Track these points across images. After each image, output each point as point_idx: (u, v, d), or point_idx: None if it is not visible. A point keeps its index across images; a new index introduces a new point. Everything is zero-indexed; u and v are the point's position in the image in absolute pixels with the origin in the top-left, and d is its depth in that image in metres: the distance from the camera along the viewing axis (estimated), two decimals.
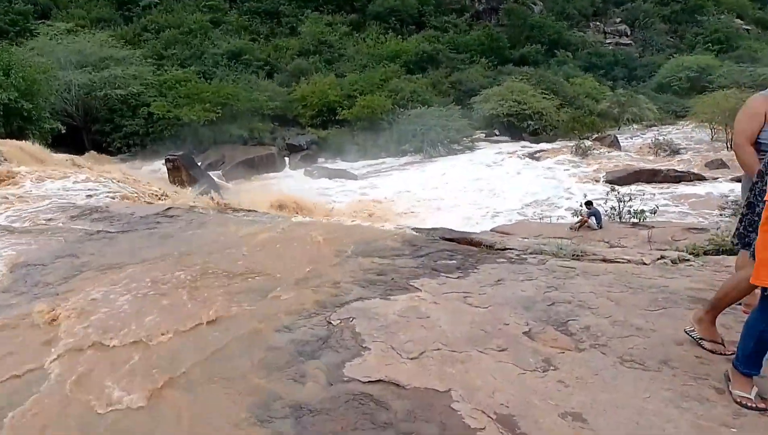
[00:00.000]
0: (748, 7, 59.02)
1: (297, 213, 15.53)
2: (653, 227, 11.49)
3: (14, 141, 17.19)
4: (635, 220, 12.10)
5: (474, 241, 4.69)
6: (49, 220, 6.74)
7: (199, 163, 26.33)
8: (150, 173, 25.50)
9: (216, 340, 2.58)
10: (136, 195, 10.55)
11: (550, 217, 15.90)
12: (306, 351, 2.49)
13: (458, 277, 3.36)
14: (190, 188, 22.20)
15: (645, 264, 3.80)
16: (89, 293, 3.28)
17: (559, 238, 11.43)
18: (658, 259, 3.91)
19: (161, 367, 2.40)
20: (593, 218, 11.76)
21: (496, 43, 45.75)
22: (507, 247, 4.39)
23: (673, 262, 3.90)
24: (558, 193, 19.61)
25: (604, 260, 3.92)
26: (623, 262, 3.86)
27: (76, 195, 9.29)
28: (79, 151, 26.06)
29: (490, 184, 21.40)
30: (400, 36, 44.68)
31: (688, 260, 4.02)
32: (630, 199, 12.46)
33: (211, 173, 25.87)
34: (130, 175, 20.69)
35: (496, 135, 35.18)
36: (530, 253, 4.10)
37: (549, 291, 3.10)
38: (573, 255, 4.02)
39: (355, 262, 3.67)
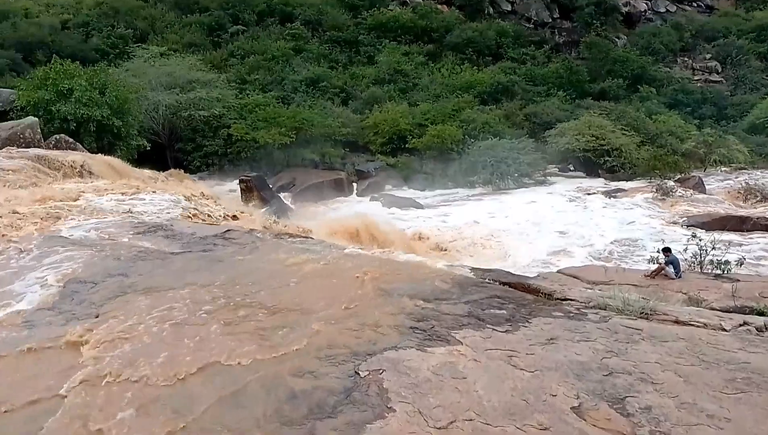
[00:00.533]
0: None
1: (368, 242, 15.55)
2: (738, 280, 10.52)
3: (102, 156, 18.34)
4: (718, 272, 11.11)
5: (531, 287, 4.36)
6: (116, 234, 6.99)
7: (271, 185, 27.13)
8: (226, 192, 26.51)
9: (236, 379, 2.46)
10: (205, 214, 10.88)
11: (624, 261, 14.98)
12: (326, 404, 2.30)
13: (506, 331, 3.08)
14: (261, 209, 22.90)
15: (724, 330, 3.35)
16: (127, 317, 3.26)
17: (631, 284, 10.70)
18: (741, 325, 3.44)
19: (176, 408, 2.29)
20: (671, 267, 10.88)
21: (575, 76, 44.66)
22: (567, 297, 4.04)
23: (759, 329, 3.41)
24: (634, 236, 18.52)
25: (677, 322, 3.49)
26: (698, 326, 3.42)
27: (148, 210, 9.68)
28: (162, 167, 27.54)
29: (561, 222, 20.56)
30: (475, 67, 44.58)
31: None
32: (713, 248, 11.45)
33: (281, 195, 26.55)
34: (206, 193, 21.61)
35: (571, 170, 34.06)
36: (592, 308, 3.73)
37: (608, 357, 2.75)
38: (641, 312, 3.61)
39: (397, 304, 3.47)
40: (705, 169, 32.44)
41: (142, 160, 26.16)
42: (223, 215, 12.30)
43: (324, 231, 15.24)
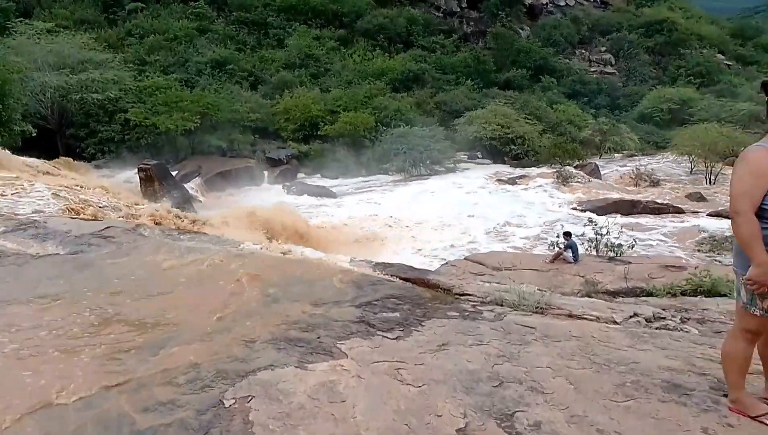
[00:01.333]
0: (730, 43, 60.38)
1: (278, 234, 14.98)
2: (630, 263, 11.15)
3: None
4: (612, 255, 11.73)
5: (431, 282, 4.21)
6: None
7: (174, 173, 25.64)
8: (124, 182, 24.78)
9: (71, 422, 2.04)
10: (91, 207, 9.90)
11: (525, 243, 15.52)
12: None
13: (396, 338, 2.86)
14: (159, 201, 21.56)
15: (616, 323, 3.35)
16: None
17: (533, 269, 11.04)
18: (631, 316, 3.46)
19: None
20: (569, 251, 11.35)
21: (483, 66, 45.92)
22: (465, 292, 3.92)
23: (648, 320, 3.45)
24: (535, 220, 19.29)
25: (570, 316, 3.45)
26: (591, 320, 3.40)
27: (24, 205, 8.64)
28: (52, 155, 25.24)
29: (469, 208, 21.02)
30: (387, 54, 44.62)
31: (663, 319, 3.57)
32: (608, 233, 12.07)
33: (186, 185, 25.19)
34: (98, 184, 20.03)
35: (479, 157, 35.03)
36: (489, 303, 3.62)
37: (499, 363, 2.60)
38: (536, 307, 3.55)
39: (283, 311, 3.16)
40: (600, 156, 34.51)
41: (29, 147, 23.78)
42: (112, 208, 11.28)
43: (225, 222, 14.56)
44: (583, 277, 10.18)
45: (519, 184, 25.71)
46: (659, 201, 21.42)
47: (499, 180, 27.15)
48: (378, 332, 2.96)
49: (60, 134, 28.80)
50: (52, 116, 28.30)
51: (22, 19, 34.60)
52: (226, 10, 45.88)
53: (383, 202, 22.96)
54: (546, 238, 16.28)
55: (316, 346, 2.74)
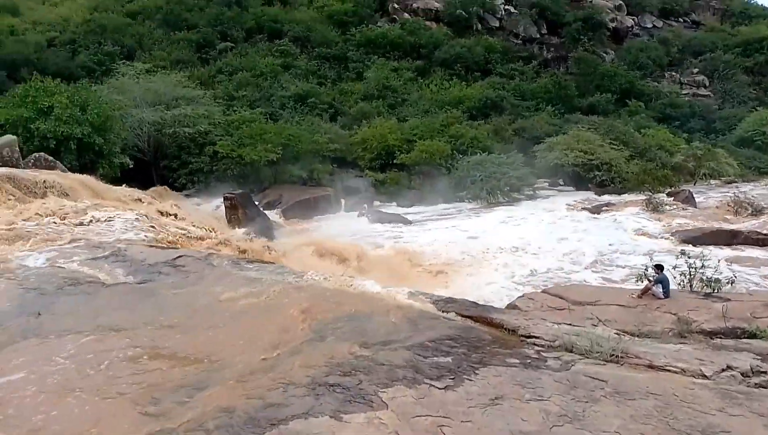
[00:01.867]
0: None
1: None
2: (729, 300, 10.11)
3: (76, 174, 17.83)
4: (709, 290, 10.69)
5: (494, 322, 3.91)
6: (66, 261, 6.49)
7: (257, 202, 26.65)
8: (212, 210, 26.01)
9: None
10: (174, 235, 10.36)
11: (612, 275, 14.57)
12: None
13: (445, 387, 2.62)
14: (242, 228, 22.39)
15: (705, 377, 2.90)
16: (12, 370, 2.79)
17: (618, 304, 10.25)
18: (723, 369, 2.99)
19: None
20: (659, 286, 10.44)
21: (564, 91, 44.64)
22: (531, 334, 3.58)
23: (744, 375, 2.97)
24: (624, 250, 18.14)
25: (651, 367, 3.04)
26: (675, 372, 2.97)
27: (113, 233, 9.16)
28: (148, 185, 27.06)
29: (549, 237, 20.16)
30: (464, 82, 44.51)
31: (765, 373, 3.07)
32: (703, 266, 11.02)
33: (268, 212, 26.06)
34: (187, 212, 21.10)
35: (561, 185, 33.81)
36: (557, 349, 3.28)
37: (559, 424, 2.28)
38: (611, 355, 3.16)
39: (328, 350, 3.01)
40: (695, 183, 32.27)
41: (127, 178, 25.64)
42: (200, 236, 11.74)
43: (301, 250, 14.81)
44: (675, 314, 9.31)
45: (605, 213, 24.44)
46: (763, 231, 19.53)
47: (583, 208, 25.99)
48: (425, 380, 2.74)
49: (155, 166, 30.86)
50: (148, 149, 30.43)
51: (125, 61, 37.78)
52: (309, 46, 47.77)
53: (458, 231, 22.54)
54: (632, 269, 15.26)
55: (356, 393, 2.56)
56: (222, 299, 4.11)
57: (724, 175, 32.81)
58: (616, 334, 3.61)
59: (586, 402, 2.56)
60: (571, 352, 3.27)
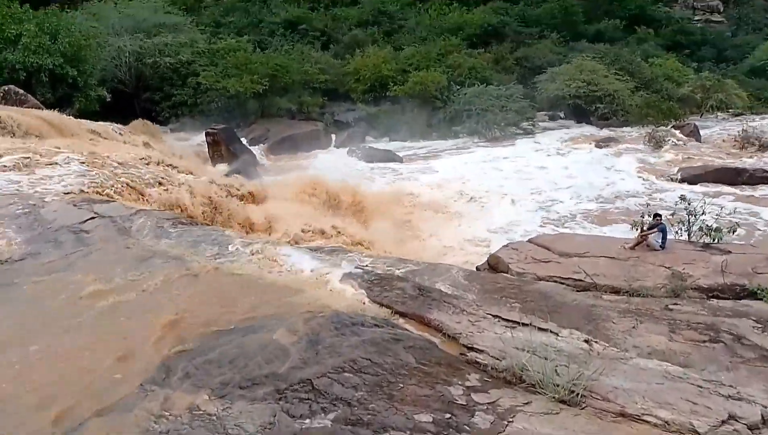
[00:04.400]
0: None
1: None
2: (729, 252, 9.34)
3: (39, 111, 16.71)
4: (708, 241, 9.90)
5: (431, 323, 3.12)
6: None
7: (243, 138, 25.59)
8: (197, 145, 25.00)
9: None
10: (122, 184, 9.37)
11: (605, 222, 13.81)
12: None
13: None
14: (221, 166, 21.45)
15: (696, 434, 2.14)
16: None
17: (608, 257, 9.51)
18: (724, 422, 2.20)
19: None
20: (658, 236, 9.57)
21: (570, 17, 42.19)
22: (474, 345, 2.80)
23: (751, 428, 2.20)
24: (618, 191, 17.29)
25: (622, 415, 2.26)
26: (655, 424, 2.19)
27: (50, 181, 8.28)
28: (131, 119, 25.87)
29: (545, 176, 19.27)
30: (465, 7, 42.00)
31: None
32: (704, 213, 10.18)
33: (254, 148, 25.06)
34: (166, 150, 20.09)
35: (561, 118, 32.51)
36: (500, 375, 2.50)
37: None
38: (570, 392, 2.37)
39: (158, 405, 2.21)
40: (702, 115, 30.93)
41: (110, 111, 24.50)
42: (157, 182, 10.76)
43: (283, 195, 13.99)
44: (669, 268, 8.59)
45: (604, 148, 23.38)
46: None
47: (581, 143, 24.91)
48: None
49: (137, 98, 29.47)
50: (129, 80, 28.96)
51: None
52: None
53: (451, 168, 21.57)
54: (625, 211, 14.52)
55: None
56: (84, 295, 3.37)
57: (733, 107, 31.35)
58: (585, 341, 2.84)
59: None
60: (519, 382, 2.50)
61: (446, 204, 15.42)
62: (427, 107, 29.47)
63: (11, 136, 12.39)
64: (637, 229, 10.09)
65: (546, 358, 2.58)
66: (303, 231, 8.19)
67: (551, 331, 3.08)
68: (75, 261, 4.09)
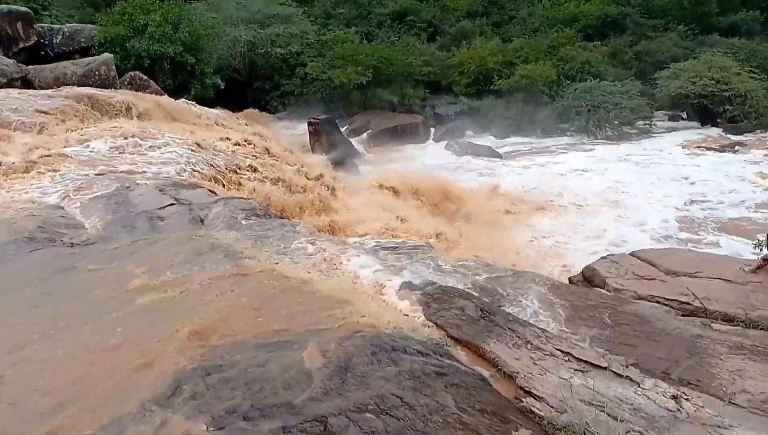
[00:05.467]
0: None
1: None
2: None
3: (153, 96, 17.86)
4: None
5: (486, 355, 2.68)
6: (69, 200, 6.02)
7: (343, 128, 25.98)
8: (300, 135, 25.71)
9: None
10: (219, 172, 9.67)
11: (723, 240, 12.31)
12: None
13: None
14: (321, 156, 21.82)
15: None
16: None
17: (724, 279, 8.38)
18: None
19: None
20: None
21: (701, 8, 38.39)
22: (532, 390, 2.34)
23: None
24: (749, 203, 15.40)
25: None
26: None
27: (151, 164, 8.70)
28: (243, 107, 27.21)
29: (661, 182, 17.63)
30: None
31: None
32: None
33: (353, 139, 25.36)
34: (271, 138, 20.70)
35: (683, 118, 29.79)
36: (557, 432, 2.06)
37: None
38: None
39: (158, 424, 2.01)
40: None
41: (223, 98, 25.94)
42: (251, 168, 11.01)
43: (372, 187, 13.87)
44: None
45: (733, 154, 21.06)
46: None
47: (706, 147, 22.58)
48: None
49: (249, 87, 30.87)
50: (242, 69, 30.40)
51: None
52: None
53: (555, 167, 20.46)
54: (751, 227, 12.87)
55: None
56: (130, 288, 3.32)
57: None
58: (673, 398, 2.31)
59: None
60: None
61: (546, 206, 14.56)
62: (532, 102, 28.18)
63: (129, 119, 13.25)
64: (761, 250, 8.87)
65: (617, 418, 2.11)
66: (384, 228, 7.94)
67: (632, 380, 2.56)
68: (137, 250, 4.14)
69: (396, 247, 6.24)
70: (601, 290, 7.73)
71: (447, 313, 3.15)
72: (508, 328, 3.01)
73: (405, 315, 3.08)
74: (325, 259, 4.17)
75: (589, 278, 8.28)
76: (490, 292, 5.84)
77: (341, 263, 4.17)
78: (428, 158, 22.82)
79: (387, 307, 3.14)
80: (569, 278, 8.68)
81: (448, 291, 3.51)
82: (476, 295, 4.06)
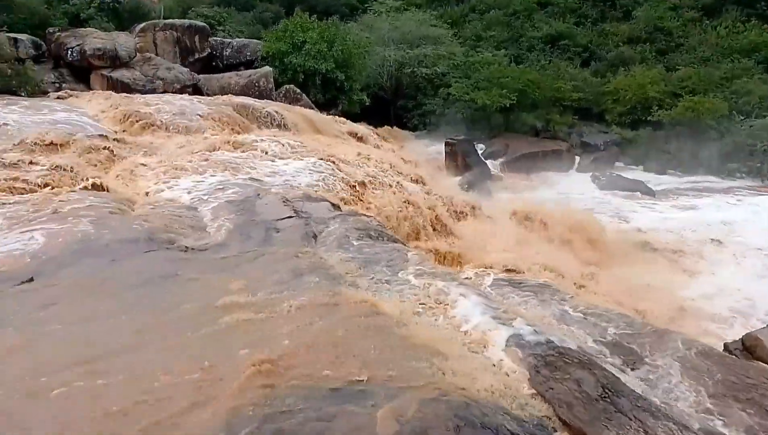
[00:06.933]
0: None
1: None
2: None
3: (300, 108, 18.75)
4: None
5: None
6: (203, 203, 6.29)
7: (481, 150, 25.46)
8: (436, 154, 25.62)
9: None
10: (348, 187, 9.69)
11: None
12: None
13: None
14: (455, 177, 21.46)
15: None
16: None
17: None
18: None
19: None
20: None
21: None
22: None
23: None
24: None
25: None
26: None
27: (284, 175, 8.95)
28: (385, 123, 27.91)
29: None
30: (766, 24, 35.13)
31: None
32: None
33: (490, 162, 24.71)
34: (406, 156, 20.86)
35: None
36: None
37: None
38: None
39: None
40: None
41: (368, 114, 26.82)
42: (387, 184, 10.95)
43: (501, 216, 13.17)
44: None
45: None
46: None
47: None
48: None
49: (393, 104, 31.59)
50: (389, 87, 31.20)
51: None
52: None
53: (719, 212, 17.99)
54: None
55: None
56: (219, 305, 3.16)
57: None
58: None
59: None
60: None
61: (704, 255, 12.80)
62: (696, 137, 25.34)
63: (275, 129, 13.97)
64: None
65: None
66: (510, 260, 7.32)
67: None
68: (241, 263, 4.09)
69: (519, 283, 5.67)
70: (766, 366, 6.45)
71: (559, 385, 2.59)
72: (634, 417, 2.38)
73: (506, 376, 2.59)
74: (429, 296, 3.77)
75: (750, 348, 6.95)
76: (621, 349, 5.06)
77: (446, 303, 3.74)
78: (569, 188, 21.43)
79: (487, 365, 2.66)
80: (724, 344, 7.40)
81: (565, 354, 2.92)
82: (602, 357, 3.39)
